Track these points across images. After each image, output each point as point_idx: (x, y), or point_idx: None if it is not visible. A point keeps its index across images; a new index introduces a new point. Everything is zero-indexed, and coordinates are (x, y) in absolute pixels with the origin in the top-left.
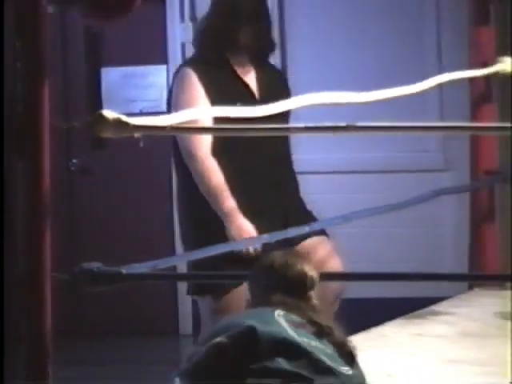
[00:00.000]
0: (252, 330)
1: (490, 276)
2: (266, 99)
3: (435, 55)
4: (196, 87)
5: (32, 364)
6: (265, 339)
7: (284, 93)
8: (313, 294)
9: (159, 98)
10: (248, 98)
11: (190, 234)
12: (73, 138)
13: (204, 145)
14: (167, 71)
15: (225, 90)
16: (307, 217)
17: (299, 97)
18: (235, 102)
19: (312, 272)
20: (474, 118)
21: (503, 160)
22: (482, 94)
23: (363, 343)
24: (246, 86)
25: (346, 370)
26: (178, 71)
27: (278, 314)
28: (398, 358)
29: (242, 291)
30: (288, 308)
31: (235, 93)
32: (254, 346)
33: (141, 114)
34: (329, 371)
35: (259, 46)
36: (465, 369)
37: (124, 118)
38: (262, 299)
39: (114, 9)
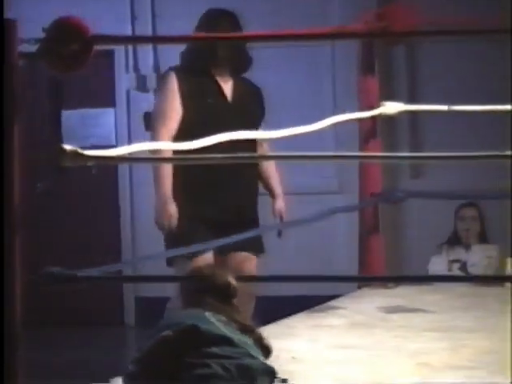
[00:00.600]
0: (195, 328)
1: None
2: (237, 105)
3: (331, 100)
4: (172, 88)
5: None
6: (205, 335)
7: (257, 106)
8: (235, 299)
9: (108, 135)
10: (221, 100)
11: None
12: (39, 166)
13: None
14: (115, 113)
15: (203, 90)
16: (252, 222)
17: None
18: (208, 100)
19: (234, 282)
20: (362, 150)
21: (385, 185)
22: (369, 131)
23: (272, 333)
24: (221, 90)
25: (262, 359)
26: (163, 74)
27: (209, 314)
28: (301, 344)
29: (206, 258)
30: (216, 310)
31: (210, 94)
32: (196, 341)
33: (92, 147)
34: (253, 358)
35: (236, 60)
36: (354, 352)
37: (79, 150)
38: (193, 300)
39: (72, 62)
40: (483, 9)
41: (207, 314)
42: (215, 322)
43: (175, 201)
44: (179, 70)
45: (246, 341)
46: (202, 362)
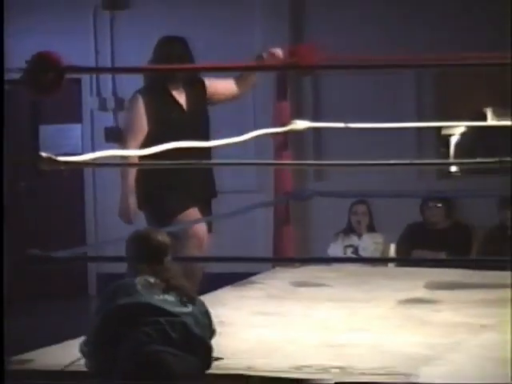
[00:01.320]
0: (121, 307)
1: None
2: (192, 113)
3: (252, 118)
4: (139, 108)
5: None
6: (131, 309)
7: (205, 108)
8: (167, 258)
9: (76, 144)
10: (179, 112)
11: None
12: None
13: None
14: (81, 128)
15: (163, 107)
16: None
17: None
18: (170, 114)
19: (166, 240)
20: (276, 158)
21: (295, 185)
22: (282, 143)
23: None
24: (179, 104)
25: (186, 309)
26: (131, 96)
27: (138, 281)
28: (228, 311)
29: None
30: (146, 272)
31: (170, 109)
32: (125, 318)
33: (64, 154)
34: (171, 314)
35: (187, 77)
36: (271, 318)
37: (53, 157)
38: (131, 269)
39: (48, 88)
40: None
41: (137, 280)
42: (140, 288)
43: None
44: (143, 92)
45: (169, 298)
46: (136, 333)
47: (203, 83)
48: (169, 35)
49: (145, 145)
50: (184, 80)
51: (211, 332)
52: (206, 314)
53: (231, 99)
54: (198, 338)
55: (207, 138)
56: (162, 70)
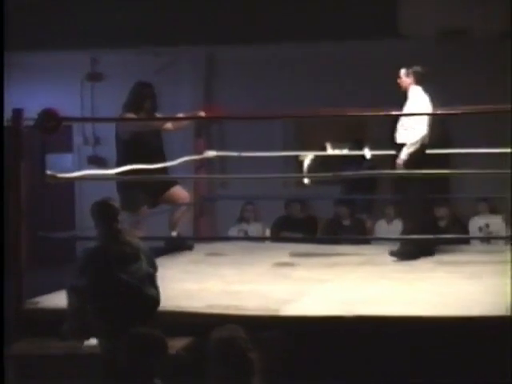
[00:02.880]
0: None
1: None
2: (158, 133)
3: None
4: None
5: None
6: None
7: (161, 134)
8: (117, 219)
9: (69, 167)
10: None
11: None
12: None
13: None
14: (72, 156)
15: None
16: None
17: None
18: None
19: (114, 204)
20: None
21: (207, 191)
22: (200, 165)
23: None
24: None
25: (137, 266)
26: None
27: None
28: (162, 270)
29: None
30: (102, 237)
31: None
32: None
33: (61, 172)
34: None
35: (153, 107)
36: (191, 275)
37: (55, 174)
38: (98, 239)
39: (50, 131)
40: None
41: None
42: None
43: None
44: (127, 111)
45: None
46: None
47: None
48: (141, 80)
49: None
50: (151, 108)
51: (155, 268)
52: (150, 253)
53: (172, 131)
54: (152, 275)
55: (164, 152)
56: (128, 119)
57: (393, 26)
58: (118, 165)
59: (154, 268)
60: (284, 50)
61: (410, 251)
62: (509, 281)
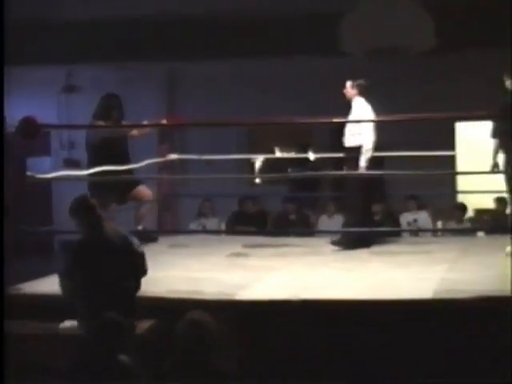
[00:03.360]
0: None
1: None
2: (124, 139)
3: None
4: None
5: None
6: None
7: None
8: (97, 211)
9: (47, 169)
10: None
11: None
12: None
13: None
14: (50, 159)
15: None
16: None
17: None
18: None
19: (90, 200)
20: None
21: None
22: (163, 166)
23: None
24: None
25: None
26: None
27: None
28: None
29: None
30: (87, 229)
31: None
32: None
33: (41, 174)
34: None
35: (120, 116)
36: (156, 264)
37: (35, 175)
38: (84, 231)
39: (31, 136)
40: None
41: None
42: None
43: None
44: (97, 119)
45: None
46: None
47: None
48: (109, 92)
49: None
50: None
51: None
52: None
53: (137, 137)
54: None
55: (129, 155)
56: (98, 127)
57: (333, 43)
58: (90, 167)
59: (139, 255)
60: (237, 65)
61: (349, 241)
62: (434, 268)
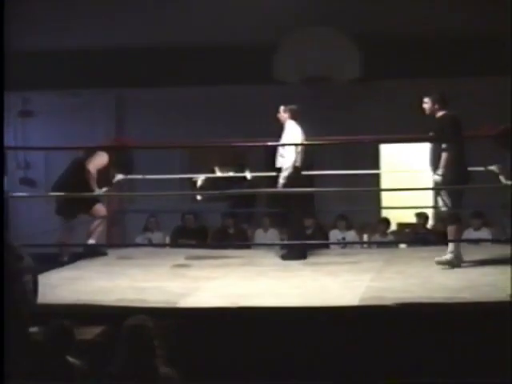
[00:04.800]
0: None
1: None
2: None
3: None
4: None
5: None
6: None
7: None
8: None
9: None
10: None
11: None
12: None
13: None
14: (7, 178)
15: None
16: None
17: None
18: None
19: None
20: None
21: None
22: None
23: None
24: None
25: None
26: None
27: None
28: (81, 272)
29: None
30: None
31: None
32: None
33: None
34: None
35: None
36: (104, 275)
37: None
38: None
39: None
40: None
41: None
42: None
43: None
44: None
45: None
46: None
47: None
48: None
49: None
50: None
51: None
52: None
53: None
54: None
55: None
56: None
57: (269, 73)
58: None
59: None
60: (181, 92)
61: (295, 254)
62: (361, 277)
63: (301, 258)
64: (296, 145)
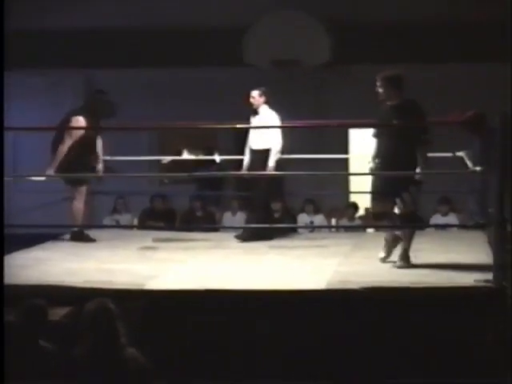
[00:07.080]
0: None
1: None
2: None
3: None
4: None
5: None
6: None
7: None
8: None
9: None
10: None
11: None
12: None
13: None
14: None
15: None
16: None
17: None
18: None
19: None
20: None
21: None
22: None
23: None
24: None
25: None
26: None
27: None
28: (48, 253)
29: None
30: None
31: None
32: None
33: None
34: None
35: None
36: (75, 257)
37: None
38: None
39: None
40: None
41: None
42: None
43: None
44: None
45: None
46: None
47: None
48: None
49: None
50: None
51: None
52: None
53: None
54: None
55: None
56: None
57: (239, 56)
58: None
59: None
60: (153, 73)
61: (251, 236)
62: (328, 261)
63: (258, 240)
64: (265, 127)
